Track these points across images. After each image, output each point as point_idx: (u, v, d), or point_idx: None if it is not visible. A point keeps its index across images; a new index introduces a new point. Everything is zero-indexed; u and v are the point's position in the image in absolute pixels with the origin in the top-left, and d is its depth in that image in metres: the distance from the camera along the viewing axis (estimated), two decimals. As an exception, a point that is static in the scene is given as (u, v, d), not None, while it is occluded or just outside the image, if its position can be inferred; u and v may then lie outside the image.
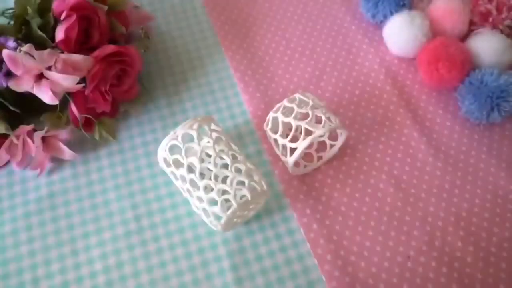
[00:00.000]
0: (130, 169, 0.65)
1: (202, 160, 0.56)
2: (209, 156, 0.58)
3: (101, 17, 0.63)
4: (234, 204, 0.53)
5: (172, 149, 0.57)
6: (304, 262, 0.58)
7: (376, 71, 0.72)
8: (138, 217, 0.61)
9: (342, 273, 0.57)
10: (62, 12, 0.60)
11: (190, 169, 0.57)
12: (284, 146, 0.61)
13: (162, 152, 0.58)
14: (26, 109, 0.64)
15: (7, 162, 0.64)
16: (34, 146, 0.61)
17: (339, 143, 0.64)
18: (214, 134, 0.58)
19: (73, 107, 0.62)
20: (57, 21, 0.61)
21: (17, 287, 0.56)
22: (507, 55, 0.67)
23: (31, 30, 0.62)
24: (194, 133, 0.57)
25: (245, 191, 0.54)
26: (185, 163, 0.56)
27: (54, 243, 0.59)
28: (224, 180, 0.59)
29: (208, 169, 0.57)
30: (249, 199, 0.54)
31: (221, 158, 0.57)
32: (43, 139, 0.62)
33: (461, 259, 0.58)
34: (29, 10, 0.62)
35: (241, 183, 0.56)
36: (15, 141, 0.61)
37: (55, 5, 0.61)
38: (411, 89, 0.71)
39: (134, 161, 0.65)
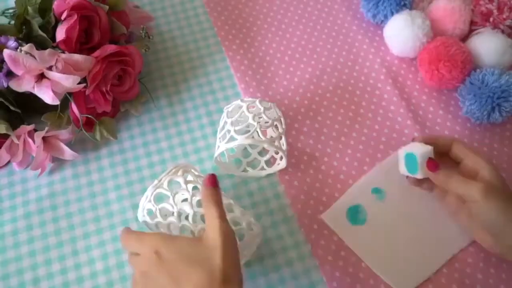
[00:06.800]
0: (131, 169, 0.64)
1: (192, 206, 0.52)
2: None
3: (102, 17, 0.63)
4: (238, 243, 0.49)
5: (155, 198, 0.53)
6: (305, 263, 0.58)
7: (376, 71, 0.72)
8: (139, 217, 0.61)
9: (343, 274, 0.57)
10: (63, 12, 0.60)
11: (181, 216, 0.53)
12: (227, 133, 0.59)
13: (146, 202, 0.53)
14: (26, 109, 0.64)
15: (8, 162, 0.64)
16: (35, 146, 0.61)
17: (269, 170, 0.64)
18: (200, 179, 0.54)
19: (73, 107, 0.62)
20: (57, 21, 0.61)
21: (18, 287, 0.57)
22: (508, 55, 0.67)
23: (32, 30, 0.62)
24: (180, 179, 0.53)
25: (244, 231, 0.52)
26: (175, 210, 0.51)
27: (54, 243, 0.59)
28: None
29: (202, 214, 0.52)
30: (256, 233, 0.52)
31: None
32: (44, 139, 0.62)
33: (461, 259, 0.58)
34: (30, 9, 0.62)
35: (238, 223, 0.54)
36: (15, 141, 0.61)
37: (56, 5, 0.61)
38: (411, 89, 0.71)
39: (134, 161, 0.65)
